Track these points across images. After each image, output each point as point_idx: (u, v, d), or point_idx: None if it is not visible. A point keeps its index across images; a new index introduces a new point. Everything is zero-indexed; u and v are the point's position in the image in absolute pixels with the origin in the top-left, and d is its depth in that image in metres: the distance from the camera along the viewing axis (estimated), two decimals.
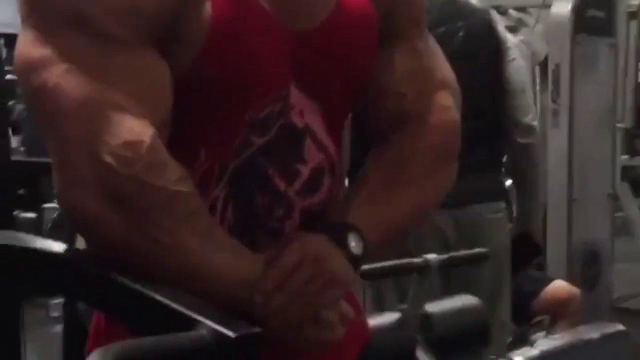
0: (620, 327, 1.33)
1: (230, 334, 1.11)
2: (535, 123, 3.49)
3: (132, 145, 1.22)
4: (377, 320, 2.20)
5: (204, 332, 1.12)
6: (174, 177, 1.25)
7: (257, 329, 1.14)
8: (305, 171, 1.42)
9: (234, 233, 1.35)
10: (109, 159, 1.21)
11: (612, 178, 4.89)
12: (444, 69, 1.57)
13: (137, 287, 1.20)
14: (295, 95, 1.39)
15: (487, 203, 3.35)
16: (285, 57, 1.37)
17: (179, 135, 1.33)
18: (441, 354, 1.69)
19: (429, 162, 1.49)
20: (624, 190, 5.76)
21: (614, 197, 4.97)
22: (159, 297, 1.19)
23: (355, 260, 1.38)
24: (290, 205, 1.41)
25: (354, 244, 1.38)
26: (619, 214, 5.70)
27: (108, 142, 1.22)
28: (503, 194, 3.53)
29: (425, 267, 2.44)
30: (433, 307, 1.64)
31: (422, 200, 1.49)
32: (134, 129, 1.23)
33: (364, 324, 1.59)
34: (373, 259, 1.60)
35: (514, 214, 3.63)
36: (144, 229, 1.23)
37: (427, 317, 2.20)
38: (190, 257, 1.27)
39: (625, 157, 5.96)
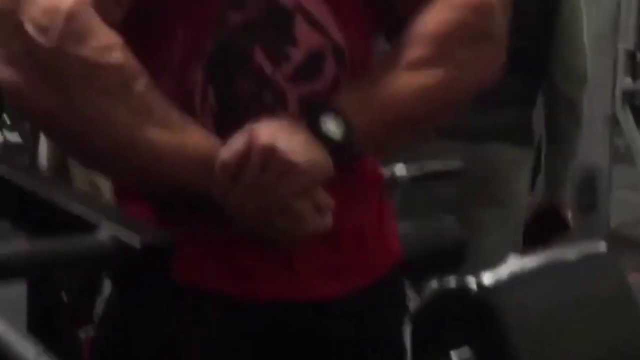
0: (603, 248, 1.18)
1: (135, 242, 0.96)
2: (586, 71, 2.96)
3: (49, 12, 1.17)
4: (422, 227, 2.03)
5: (104, 237, 0.97)
6: (98, 45, 1.19)
7: (165, 237, 0.99)
8: (296, 54, 1.31)
9: (219, 122, 1.28)
10: (29, 28, 1.17)
11: (611, 99, 4.75)
12: None
13: (33, 188, 1.05)
14: None
15: (511, 144, 2.84)
16: None
17: (157, 14, 1.29)
18: (410, 277, 1.53)
19: (447, 40, 1.32)
20: (625, 115, 5.57)
21: (613, 120, 4.84)
22: (56, 199, 1.04)
23: (334, 146, 1.24)
24: (280, 91, 1.30)
25: (331, 128, 1.24)
26: (620, 142, 5.60)
27: (28, 10, 1.18)
28: (531, 139, 2.94)
29: (392, 181, 2.07)
30: (402, 227, 1.44)
31: (435, 83, 1.31)
32: (111, 35, 1.19)
33: (396, 235, 1.47)
34: (379, 153, 1.40)
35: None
36: (69, 101, 1.18)
37: None
38: (120, 131, 1.19)
39: (628, 80, 5.75)
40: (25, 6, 1.19)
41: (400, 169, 2.10)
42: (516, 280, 1.10)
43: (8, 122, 5.12)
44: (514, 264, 1.28)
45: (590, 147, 4.65)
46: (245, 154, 1.19)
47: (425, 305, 1.09)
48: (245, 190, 1.19)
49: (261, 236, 1.24)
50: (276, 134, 1.20)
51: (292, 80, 1.31)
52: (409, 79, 1.30)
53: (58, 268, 0.97)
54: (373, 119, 1.28)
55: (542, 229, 3.00)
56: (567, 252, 1.19)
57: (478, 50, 1.34)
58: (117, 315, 1.33)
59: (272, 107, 1.29)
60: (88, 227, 1.00)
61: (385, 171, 2.12)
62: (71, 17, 1.19)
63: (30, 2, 1.18)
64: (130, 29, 1.27)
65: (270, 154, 1.19)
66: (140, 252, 0.97)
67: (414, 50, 1.31)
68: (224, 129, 1.26)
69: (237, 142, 1.20)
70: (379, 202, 1.44)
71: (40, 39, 1.17)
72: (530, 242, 2.94)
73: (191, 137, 1.22)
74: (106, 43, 1.20)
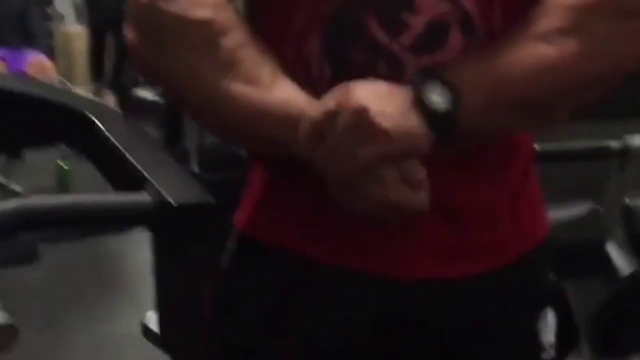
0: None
1: (171, 200, 1.00)
2: None
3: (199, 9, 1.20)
4: (564, 212, 1.92)
5: (148, 195, 1.01)
6: (187, 1, 1.20)
7: (204, 199, 1.02)
8: (417, 23, 1.21)
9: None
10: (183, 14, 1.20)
11: None
12: None
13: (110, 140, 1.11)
14: None
15: None
16: None
17: None
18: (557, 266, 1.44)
19: (587, 12, 1.19)
20: None
21: None
22: (122, 149, 1.10)
23: (436, 119, 1.14)
24: (397, 62, 1.22)
25: (436, 98, 1.15)
26: None
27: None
28: None
29: (625, 151, 1.95)
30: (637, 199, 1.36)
31: (567, 57, 1.18)
32: None
33: (541, 218, 1.36)
34: (498, 133, 1.28)
35: None
36: (164, 57, 1.21)
37: (629, 210, 1.84)
38: (205, 87, 1.19)
39: None
40: None
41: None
42: None
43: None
44: None
45: None
46: (335, 113, 1.13)
47: (614, 296, 1.00)
48: (330, 152, 1.14)
49: (351, 203, 1.17)
50: (372, 96, 1.14)
51: (411, 50, 1.22)
52: (537, 51, 1.19)
53: (101, 223, 1.01)
54: (489, 96, 1.17)
55: None
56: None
57: (626, 26, 1.21)
58: (236, 274, 1.32)
59: (388, 78, 1.20)
60: (138, 181, 1.04)
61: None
62: None
63: None
64: None
65: (360, 116, 1.12)
66: (177, 210, 1.00)
67: (547, 20, 1.19)
68: None
69: (328, 100, 1.15)
70: (520, 180, 1.33)
71: None
72: None
73: (278, 94, 1.19)
74: (198, 1, 1.21)
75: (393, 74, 1.22)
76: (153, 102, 2.99)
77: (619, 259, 1.72)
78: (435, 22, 1.23)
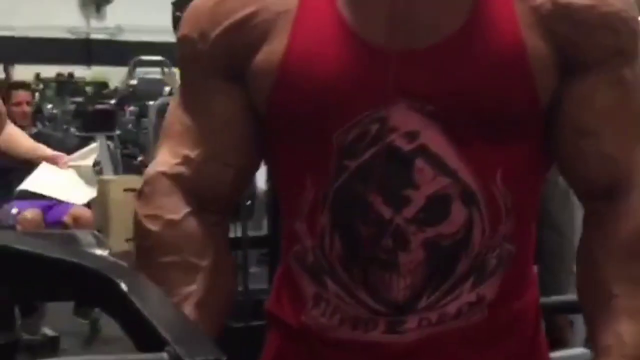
0: None
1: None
2: None
3: (150, 220, 1.37)
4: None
5: (165, 355, 1.04)
6: (147, 213, 1.37)
7: (218, 356, 1.04)
8: (418, 197, 1.28)
9: (343, 265, 1.31)
10: (139, 218, 1.38)
11: None
12: None
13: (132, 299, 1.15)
14: (402, 116, 1.27)
15: None
16: (378, 78, 1.27)
17: (287, 167, 1.36)
18: None
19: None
20: None
21: None
22: (143, 312, 1.13)
23: None
24: (402, 235, 1.28)
25: None
26: None
27: (143, 207, 1.39)
28: None
29: None
30: None
31: None
32: (164, 205, 1.36)
33: None
34: None
35: None
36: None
37: None
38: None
39: None
40: (143, 201, 1.40)
41: None
42: None
43: None
44: None
45: None
46: None
47: None
48: None
49: None
50: None
51: (415, 223, 1.28)
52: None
53: None
54: None
55: None
56: None
57: None
58: None
59: (393, 252, 1.28)
60: (158, 342, 1.07)
61: None
62: (146, 181, 1.39)
63: (149, 202, 1.39)
64: (272, 178, 1.41)
65: None
66: None
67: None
68: (350, 272, 1.30)
69: None
70: (527, 342, 1.40)
71: (139, 240, 1.39)
72: None
73: None
74: (151, 213, 1.37)
75: (398, 248, 1.28)
76: None
77: None
78: (437, 196, 1.28)
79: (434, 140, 1.27)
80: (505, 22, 1.27)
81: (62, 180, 5.04)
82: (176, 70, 6.67)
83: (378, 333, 1.31)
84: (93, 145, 5.57)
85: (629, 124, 1.32)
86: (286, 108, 1.31)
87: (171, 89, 9.36)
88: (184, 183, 1.37)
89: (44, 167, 5.02)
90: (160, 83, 9.96)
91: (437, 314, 1.31)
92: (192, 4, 1.38)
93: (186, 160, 1.37)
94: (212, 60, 1.35)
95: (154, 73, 10.19)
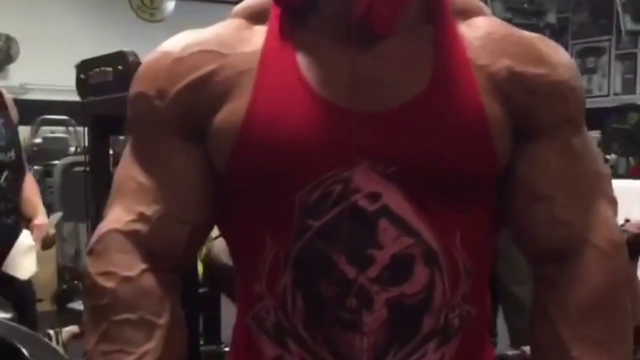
0: None
1: None
2: None
3: (105, 277, 1.36)
4: None
5: None
6: (98, 270, 1.36)
7: None
8: (382, 257, 1.30)
9: (305, 326, 1.30)
10: (93, 276, 1.38)
11: None
12: (601, 174, 1.42)
13: None
14: (365, 177, 1.29)
15: None
16: (341, 139, 1.28)
17: (246, 226, 1.35)
18: None
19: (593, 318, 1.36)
20: None
21: None
22: None
23: None
24: (366, 295, 1.29)
25: None
26: None
27: (96, 265, 1.38)
28: None
29: None
30: None
31: None
32: (119, 262, 1.35)
33: None
34: None
35: None
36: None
37: None
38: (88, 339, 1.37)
39: None
40: (97, 258, 1.40)
41: None
42: None
43: None
44: None
45: None
46: None
47: None
48: None
49: None
50: None
51: (378, 283, 1.29)
52: None
53: None
54: None
55: None
56: None
57: (621, 306, 1.39)
58: None
59: (357, 311, 1.29)
60: None
61: None
62: (99, 239, 1.37)
63: (102, 260, 1.39)
64: (225, 238, 1.38)
65: None
66: None
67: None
68: (313, 333, 1.30)
69: None
70: None
71: (90, 298, 1.38)
72: None
73: None
74: (105, 270, 1.35)
75: (362, 307, 1.29)
76: None
77: None
78: (400, 256, 1.30)
79: (396, 201, 1.29)
80: (465, 86, 1.30)
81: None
82: (80, 129, 6.55)
83: None
84: (57, 214, 5.34)
85: (581, 189, 1.36)
86: (248, 168, 1.30)
87: (76, 148, 9.26)
88: (138, 240, 1.35)
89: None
90: (66, 142, 9.82)
91: None
92: (145, 62, 1.37)
93: (141, 218, 1.35)
94: (170, 117, 1.34)
95: (59, 132, 10.06)
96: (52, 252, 6.88)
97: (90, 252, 1.38)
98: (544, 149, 1.36)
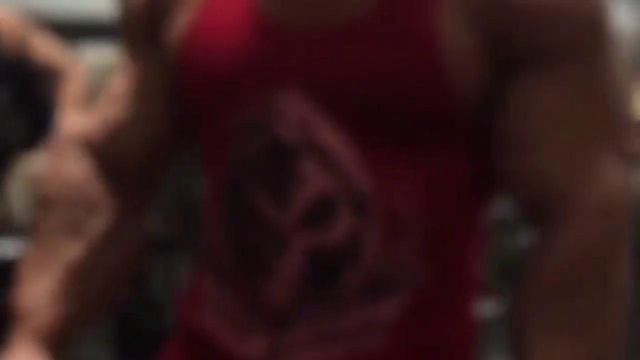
0: None
1: None
2: None
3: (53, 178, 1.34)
4: None
5: None
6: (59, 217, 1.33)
7: None
8: (301, 196, 1.13)
9: (236, 276, 1.18)
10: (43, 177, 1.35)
11: None
12: (612, 122, 1.15)
13: None
14: (294, 103, 1.13)
15: None
16: (274, 59, 1.15)
17: (202, 150, 1.27)
18: None
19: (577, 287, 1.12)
20: None
21: None
22: None
23: None
24: (283, 239, 1.14)
25: None
26: None
27: (50, 164, 1.35)
28: None
29: None
30: None
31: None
32: (69, 165, 1.33)
33: None
34: None
35: None
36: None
37: None
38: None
39: None
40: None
41: None
42: None
43: None
44: None
45: None
46: None
47: None
48: None
49: None
50: None
51: (295, 226, 1.14)
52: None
53: None
54: None
55: None
56: None
57: (618, 266, 1.16)
58: None
59: (273, 255, 1.15)
60: None
61: None
62: (60, 138, 1.35)
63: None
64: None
65: None
66: None
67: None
68: (241, 280, 1.17)
69: None
70: None
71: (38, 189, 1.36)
72: None
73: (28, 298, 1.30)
74: (58, 170, 1.34)
75: (280, 251, 1.15)
76: None
77: None
78: (320, 198, 1.13)
79: (327, 133, 1.13)
80: (422, 7, 1.11)
81: None
82: None
83: (258, 351, 1.17)
84: None
85: (574, 137, 1.13)
86: (187, 88, 1.23)
87: None
88: (95, 145, 1.33)
89: None
90: None
91: (324, 330, 1.15)
92: None
93: (103, 123, 1.33)
94: (136, 25, 1.31)
95: None
96: None
97: (49, 150, 1.37)
98: (534, 85, 1.12)
